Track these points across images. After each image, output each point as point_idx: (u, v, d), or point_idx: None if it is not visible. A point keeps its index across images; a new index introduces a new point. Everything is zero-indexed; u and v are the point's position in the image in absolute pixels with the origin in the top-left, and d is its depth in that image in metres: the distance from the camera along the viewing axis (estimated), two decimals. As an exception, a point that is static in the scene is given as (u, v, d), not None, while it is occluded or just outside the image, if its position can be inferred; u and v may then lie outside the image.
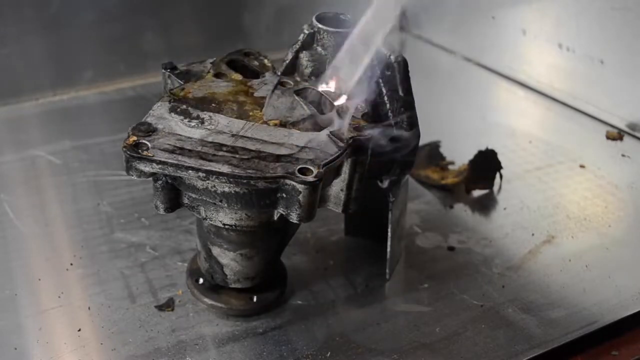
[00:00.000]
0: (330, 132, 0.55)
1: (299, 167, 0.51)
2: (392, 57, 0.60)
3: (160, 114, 0.55)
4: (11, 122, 0.99)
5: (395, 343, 0.61)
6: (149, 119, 0.54)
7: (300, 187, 0.50)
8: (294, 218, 0.52)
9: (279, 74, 0.63)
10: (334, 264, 0.71)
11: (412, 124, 0.62)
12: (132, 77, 1.11)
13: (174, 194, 0.55)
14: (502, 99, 1.14)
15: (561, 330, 0.62)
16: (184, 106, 0.57)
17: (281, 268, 0.67)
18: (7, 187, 0.82)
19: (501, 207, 0.81)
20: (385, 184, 0.65)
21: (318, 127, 0.56)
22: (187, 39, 1.14)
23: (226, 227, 0.57)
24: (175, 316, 0.63)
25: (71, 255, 0.71)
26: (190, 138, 0.53)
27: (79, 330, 0.61)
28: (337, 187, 0.57)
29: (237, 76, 0.62)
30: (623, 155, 0.93)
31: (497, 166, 0.84)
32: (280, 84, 0.60)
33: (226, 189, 0.52)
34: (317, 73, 0.62)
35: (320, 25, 0.61)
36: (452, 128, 1.00)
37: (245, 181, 0.50)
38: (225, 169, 0.50)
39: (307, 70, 0.63)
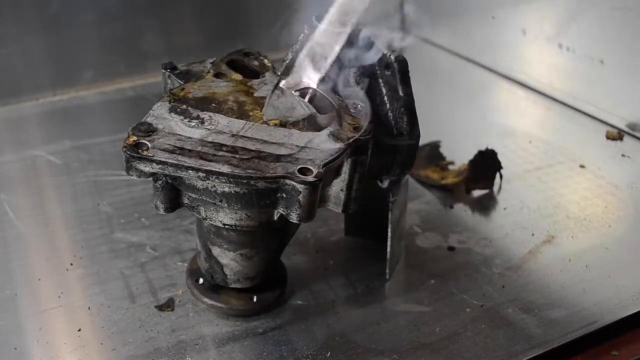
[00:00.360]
0: (330, 132, 0.55)
1: (299, 167, 0.51)
2: (392, 57, 0.60)
3: (160, 114, 0.55)
4: (11, 122, 0.99)
5: (395, 343, 0.60)
6: (149, 119, 0.54)
7: (300, 187, 0.50)
8: (294, 218, 0.52)
9: (279, 74, 0.63)
10: (334, 264, 0.71)
11: (412, 124, 0.62)
12: (132, 77, 1.11)
13: (174, 194, 0.55)
14: (502, 99, 1.14)
15: (561, 330, 0.62)
16: (184, 106, 0.57)
17: (281, 268, 0.67)
18: (7, 187, 0.82)
19: (501, 207, 0.81)
20: (385, 184, 0.65)
21: (318, 127, 0.56)
22: (187, 39, 1.15)
23: (226, 227, 0.57)
24: (175, 316, 0.63)
25: (71, 255, 0.71)
26: (190, 138, 0.53)
27: (79, 330, 0.61)
28: (337, 187, 0.57)
29: (237, 76, 0.62)
30: (623, 155, 0.93)
31: (497, 166, 0.84)
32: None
33: (226, 189, 0.52)
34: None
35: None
36: (452, 128, 1.00)
37: (245, 181, 0.50)
38: (225, 169, 0.50)
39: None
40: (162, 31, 1.11)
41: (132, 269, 0.69)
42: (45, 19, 1.02)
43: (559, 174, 0.88)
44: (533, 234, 0.76)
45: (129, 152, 0.51)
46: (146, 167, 0.51)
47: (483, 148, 0.84)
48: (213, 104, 0.58)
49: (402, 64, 0.60)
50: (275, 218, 0.55)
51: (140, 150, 0.51)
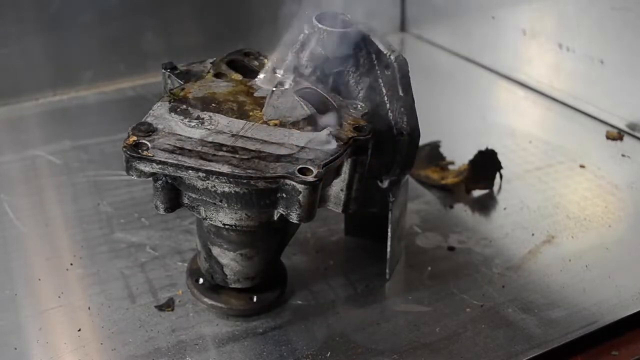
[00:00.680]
0: (330, 132, 0.55)
1: (299, 167, 0.51)
2: (392, 57, 0.60)
3: (160, 114, 0.55)
4: (11, 122, 0.99)
5: (395, 343, 0.60)
6: (149, 119, 0.54)
7: (300, 187, 0.50)
8: (294, 218, 0.52)
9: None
10: (334, 264, 0.71)
11: (412, 124, 0.62)
12: (132, 77, 1.11)
13: (174, 194, 0.55)
14: (502, 99, 1.14)
15: (561, 330, 0.62)
16: (184, 106, 0.57)
17: (281, 268, 0.67)
18: (7, 187, 0.82)
19: (501, 207, 0.81)
20: (385, 184, 0.65)
21: (318, 127, 0.56)
22: (187, 39, 1.15)
23: (226, 227, 0.57)
24: (175, 316, 0.63)
25: (71, 255, 0.71)
26: (190, 138, 0.53)
27: (79, 330, 0.61)
28: (337, 187, 0.57)
29: (237, 76, 0.62)
30: (623, 155, 0.93)
31: (497, 166, 0.84)
32: (280, 84, 0.60)
33: (226, 189, 0.52)
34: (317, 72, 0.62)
35: (320, 25, 0.61)
36: (452, 128, 1.00)
37: (245, 181, 0.50)
38: (225, 169, 0.50)
39: (307, 70, 0.63)
40: (162, 31, 1.11)
41: (132, 269, 0.69)
42: (45, 19, 1.02)
43: (559, 174, 0.88)
44: (533, 234, 0.76)
45: (129, 152, 0.51)
46: (146, 167, 0.51)
47: (483, 148, 0.84)
48: (213, 104, 0.58)
49: (402, 64, 0.60)
50: (275, 218, 0.55)
51: (140, 150, 0.51)
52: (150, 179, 0.53)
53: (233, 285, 0.62)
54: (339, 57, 0.62)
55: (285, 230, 0.62)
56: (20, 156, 0.89)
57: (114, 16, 1.07)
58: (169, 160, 0.50)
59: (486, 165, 0.84)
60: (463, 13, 1.24)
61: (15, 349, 0.59)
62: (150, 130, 0.53)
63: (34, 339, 0.60)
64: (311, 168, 0.51)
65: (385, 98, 0.61)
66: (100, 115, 1.02)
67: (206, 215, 0.56)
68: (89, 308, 0.64)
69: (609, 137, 0.97)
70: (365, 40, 0.61)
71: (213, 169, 0.50)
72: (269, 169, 0.51)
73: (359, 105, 0.60)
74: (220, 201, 0.53)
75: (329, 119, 0.57)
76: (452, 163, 0.89)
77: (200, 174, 0.50)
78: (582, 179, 0.87)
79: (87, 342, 0.60)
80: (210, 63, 0.64)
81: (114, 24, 1.07)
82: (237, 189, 0.52)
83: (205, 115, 0.56)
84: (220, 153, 0.52)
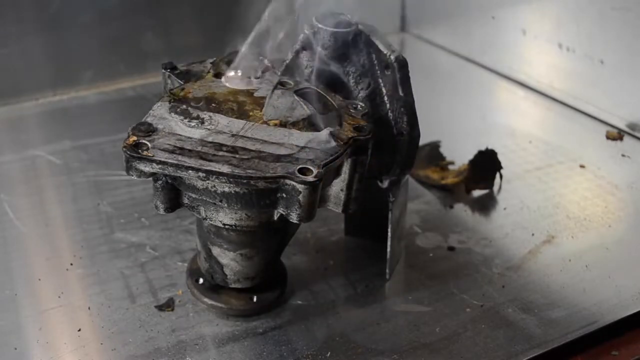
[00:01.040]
0: (330, 132, 0.55)
1: (299, 167, 0.51)
2: (392, 57, 0.60)
3: (160, 114, 0.55)
4: (11, 122, 0.99)
5: (395, 343, 0.60)
6: (149, 119, 0.54)
7: (300, 187, 0.50)
8: (294, 218, 0.52)
9: (279, 74, 0.63)
10: (334, 264, 0.71)
11: (412, 124, 0.62)
12: (132, 77, 1.11)
13: (174, 194, 0.55)
14: (502, 99, 1.14)
15: (561, 330, 0.62)
16: (184, 106, 0.57)
17: (281, 268, 0.67)
18: (7, 187, 0.82)
19: (501, 207, 0.81)
20: (385, 184, 0.65)
21: (318, 127, 0.56)
22: (187, 39, 1.14)
23: (226, 227, 0.57)
24: (175, 316, 0.63)
25: (71, 255, 0.71)
26: (190, 138, 0.53)
27: (79, 330, 0.61)
28: (337, 187, 0.57)
29: (237, 76, 0.62)
30: (623, 155, 0.93)
31: (497, 166, 0.84)
32: (280, 84, 0.60)
33: (226, 189, 0.52)
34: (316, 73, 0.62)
35: (320, 25, 0.61)
36: (452, 128, 1.00)
37: (245, 181, 0.50)
38: (225, 169, 0.50)
39: (307, 70, 0.63)
40: (162, 31, 1.11)
41: (132, 269, 0.69)
42: (45, 19, 1.02)
43: (559, 174, 0.88)
44: (533, 234, 0.76)
45: (129, 152, 0.51)
46: (146, 167, 0.51)
47: (483, 148, 0.84)
48: (213, 104, 0.58)
49: (402, 64, 0.60)
50: (275, 218, 0.55)
51: (140, 150, 0.51)
52: (150, 179, 0.53)
53: (233, 285, 0.62)
54: (339, 57, 0.62)
55: (285, 230, 0.62)
56: (20, 156, 0.89)
57: (114, 16, 1.07)
58: (169, 160, 0.50)
59: (486, 165, 0.84)
60: (463, 13, 1.24)
61: (15, 349, 0.59)
62: (150, 130, 0.53)
63: (34, 339, 0.60)
64: (311, 168, 0.51)
65: (385, 98, 0.61)
66: (100, 115, 1.02)
67: (206, 215, 0.56)
68: (89, 308, 0.64)
69: (609, 137, 0.97)
70: (365, 40, 0.62)
71: (213, 169, 0.50)
72: (269, 169, 0.51)
73: (359, 105, 0.60)
74: (220, 201, 0.53)
75: (329, 119, 0.57)
76: (452, 163, 0.89)
77: (200, 174, 0.50)
78: (582, 179, 0.87)
79: (87, 342, 0.60)
80: (210, 63, 0.64)
81: (114, 24, 1.07)
82: (237, 189, 0.52)
83: (205, 115, 0.56)
84: (220, 153, 0.52)
